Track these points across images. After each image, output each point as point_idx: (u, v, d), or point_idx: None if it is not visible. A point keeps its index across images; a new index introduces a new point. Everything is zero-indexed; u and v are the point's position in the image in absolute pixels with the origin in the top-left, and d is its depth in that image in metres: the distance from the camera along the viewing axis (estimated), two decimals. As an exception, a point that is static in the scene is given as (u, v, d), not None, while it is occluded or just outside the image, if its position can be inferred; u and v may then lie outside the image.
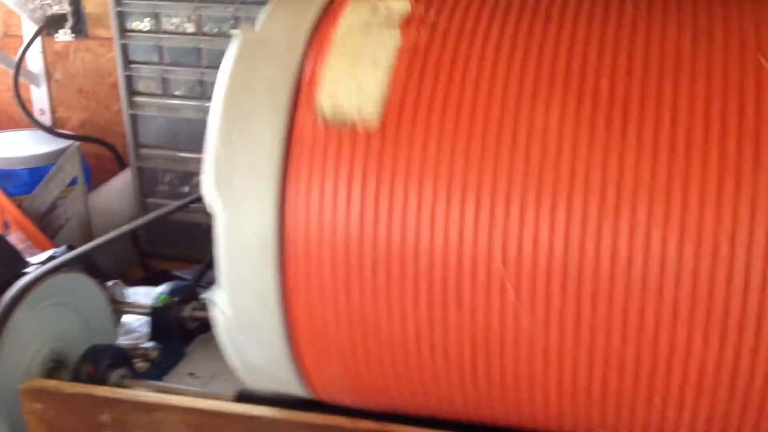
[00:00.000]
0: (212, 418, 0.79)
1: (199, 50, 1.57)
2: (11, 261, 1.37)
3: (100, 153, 1.76)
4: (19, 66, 1.69)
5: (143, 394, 0.82)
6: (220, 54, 1.59)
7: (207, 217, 1.65)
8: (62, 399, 0.83)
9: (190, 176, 1.65)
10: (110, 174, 1.78)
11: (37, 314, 0.92)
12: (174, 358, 1.05)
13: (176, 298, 1.07)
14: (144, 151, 1.64)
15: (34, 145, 1.67)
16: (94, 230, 1.63)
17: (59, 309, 0.96)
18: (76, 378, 0.91)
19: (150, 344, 1.03)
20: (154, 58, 1.59)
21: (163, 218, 1.18)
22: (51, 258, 1.45)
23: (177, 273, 1.55)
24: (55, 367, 0.95)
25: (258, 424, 0.77)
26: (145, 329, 1.18)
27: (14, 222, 1.54)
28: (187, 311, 1.07)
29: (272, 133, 0.68)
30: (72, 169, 1.57)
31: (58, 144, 1.67)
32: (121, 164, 1.75)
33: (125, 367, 0.94)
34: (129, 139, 1.62)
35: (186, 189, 1.65)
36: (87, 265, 1.46)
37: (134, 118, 1.61)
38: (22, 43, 1.78)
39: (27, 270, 1.41)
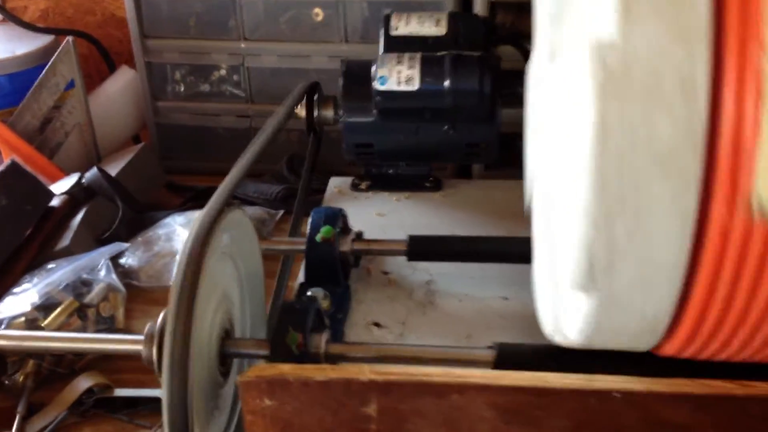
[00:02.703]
0: (536, 398, 0.58)
1: None
2: (34, 192, 1.08)
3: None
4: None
5: (425, 371, 0.60)
6: None
7: (225, 120, 1.37)
8: (307, 390, 0.60)
9: (208, 70, 1.35)
10: (93, 77, 1.46)
11: (212, 266, 0.67)
12: (345, 305, 0.82)
13: (338, 230, 0.83)
14: (150, 42, 1.32)
15: (6, 44, 1.32)
16: (100, 145, 1.32)
17: (222, 257, 0.71)
18: (282, 354, 0.67)
19: (316, 291, 0.80)
20: None
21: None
22: (80, 183, 1.16)
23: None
24: (226, 338, 0.71)
25: (607, 400, 0.57)
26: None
27: (5, 144, 1.22)
28: (347, 244, 0.84)
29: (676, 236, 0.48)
30: (68, 69, 1.24)
31: (37, 41, 1.33)
32: (109, 63, 1.43)
33: (324, 329, 0.71)
34: (133, 28, 1.30)
35: (206, 88, 1.36)
36: (118, 191, 1.18)
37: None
38: None
39: (53, 204, 1.12)
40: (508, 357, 0.68)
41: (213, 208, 0.67)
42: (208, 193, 1.33)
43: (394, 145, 1.00)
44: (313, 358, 0.68)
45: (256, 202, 1.26)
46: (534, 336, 0.78)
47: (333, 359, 0.70)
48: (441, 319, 0.81)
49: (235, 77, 1.34)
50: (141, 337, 0.69)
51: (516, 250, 0.83)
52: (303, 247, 0.83)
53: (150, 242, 1.17)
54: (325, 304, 0.80)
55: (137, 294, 1.12)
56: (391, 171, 1.05)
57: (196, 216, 0.67)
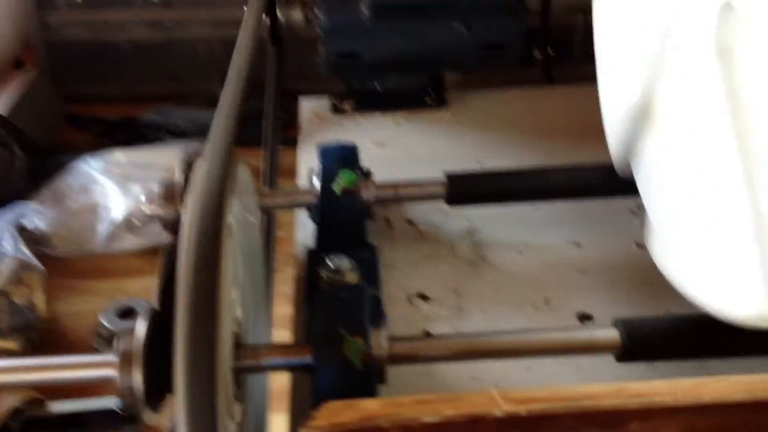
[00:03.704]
0: (754, 415, 0.40)
1: None
2: None
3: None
4: None
5: (584, 391, 0.40)
6: None
7: (135, 31, 1.10)
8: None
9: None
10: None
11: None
12: (376, 275, 0.60)
13: (358, 175, 0.61)
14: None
15: None
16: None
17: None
18: (338, 371, 0.45)
19: (340, 260, 0.58)
20: None
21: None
22: None
23: (150, 117, 1.03)
24: (238, 347, 0.49)
25: None
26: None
27: None
28: (369, 191, 0.61)
29: None
30: None
31: None
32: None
33: (383, 320, 0.49)
34: None
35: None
36: (13, 133, 0.90)
37: None
38: None
39: None
40: (640, 339, 0.49)
41: (217, 165, 0.44)
42: (123, 125, 1.08)
43: (388, 52, 0.77)
44: (378, 369, 0.47)
45: (189, 133, 1.01)
46: (632, 293, 0.60)
47: (397, 361, 0.49)
48: (503, 281, 0.61)
49: (144, -24, 1.06)
50: (111, 359, 0.47)
51: (588, 182, 0.63)
52: (308, 199, 0.61)
53: (61, 196, 0.91)
54: (352, 277, 0.58)
55: (52, 265, 0.86)
56: (379, 85, 0.82)
57: (194, 179, 0.44)
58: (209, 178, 0.43)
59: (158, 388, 0.47)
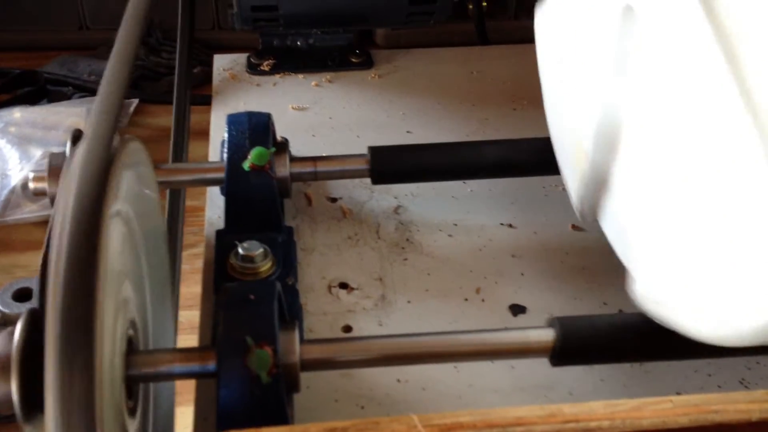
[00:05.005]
0: None
1: None
2: None
3: None
4: None
5: (533, 413, 0.35)
6: None
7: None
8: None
9: None
10: None
11: (111, 236, 0.39)
12: (292, 261, 0.55)
13: (273, 149, 0.55)
14: None
15: None
16: None
17: (114, 218, 0.43)
18: (242, 385, 0.40)
19: (251, 246, 0.52)
20: None
21: None
22: None
23: (53, 69, 0.94)
24: (131, 352, 0.44)
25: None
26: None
27: None
28: (284, 167, 0.56)
29: None
30: None
31: None
32: None
33: (295, 322, 0.44)
34: None
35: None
36: None
37: None
38: None
39: None
40: (576, 341, 0.45)
41: (102, 136, 0.38)
42: (24, 79, 0.99)
43: (308, 5, 0.71)
44: (289, 379, 0.42)
45: (96, 87, 0.93)
46: (568, 280, 0.56)
47: (310, 367, 0.44)
48: (432, 268, 0.57)
49: None
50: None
51: (525, 159, 0.58)
52: (217, 175, 0.55)
53: (-48, 159, 0.83)
54: (265, 267, 0.53)
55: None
56: (300, 42, 0.76)
57: (76, 153, 0.38)
58: (90, 154, 0.37)
59: (38, 400, 0.42)
